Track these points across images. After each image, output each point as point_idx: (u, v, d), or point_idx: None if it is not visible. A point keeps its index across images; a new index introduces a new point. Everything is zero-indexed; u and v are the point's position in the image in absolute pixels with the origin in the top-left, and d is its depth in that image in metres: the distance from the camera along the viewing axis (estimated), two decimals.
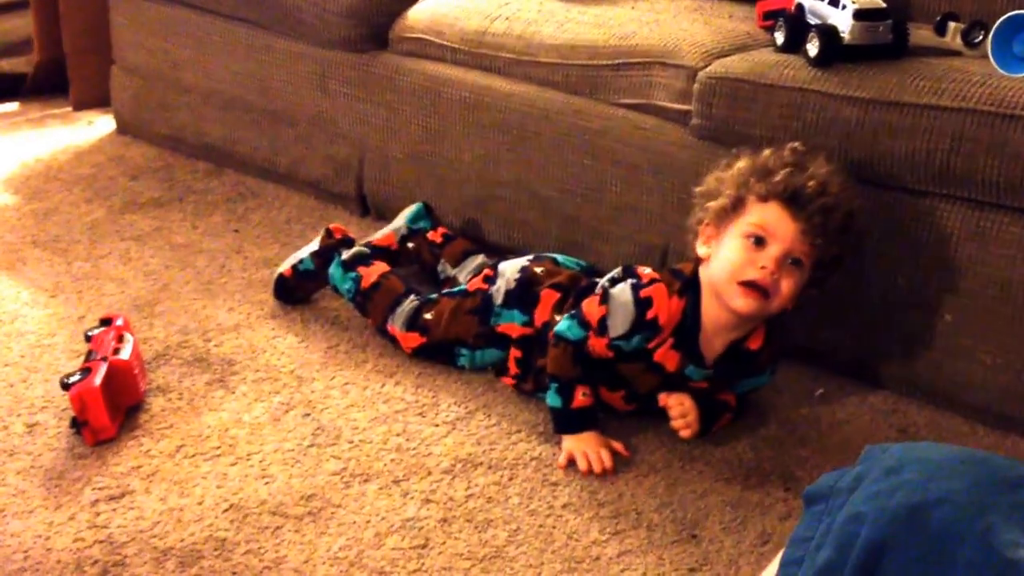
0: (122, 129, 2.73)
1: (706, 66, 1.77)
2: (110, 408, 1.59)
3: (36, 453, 1.57)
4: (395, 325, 1.80)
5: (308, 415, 1.66)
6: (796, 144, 1.57)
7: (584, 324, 1.58)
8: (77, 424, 1.59)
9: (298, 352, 1.83)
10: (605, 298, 1.58)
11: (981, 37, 1.70)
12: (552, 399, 1.60)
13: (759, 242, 1.50)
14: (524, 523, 1.45)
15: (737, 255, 1.51)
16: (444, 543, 1.41)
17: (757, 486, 1.54)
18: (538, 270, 1.74)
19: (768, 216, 1.50)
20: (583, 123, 1.93)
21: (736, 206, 1.53)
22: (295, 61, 2.33)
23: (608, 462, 1.55)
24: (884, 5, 1.68)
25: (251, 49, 2.40)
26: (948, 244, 1.62)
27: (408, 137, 2.20)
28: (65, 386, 1.59)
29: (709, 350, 1.59)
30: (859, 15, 1.65)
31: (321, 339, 1.86)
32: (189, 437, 1.61)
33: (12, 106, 2.90)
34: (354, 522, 1.44)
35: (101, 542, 1.40)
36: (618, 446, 1.59)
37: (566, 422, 1.59)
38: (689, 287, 1.57)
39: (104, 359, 1.63)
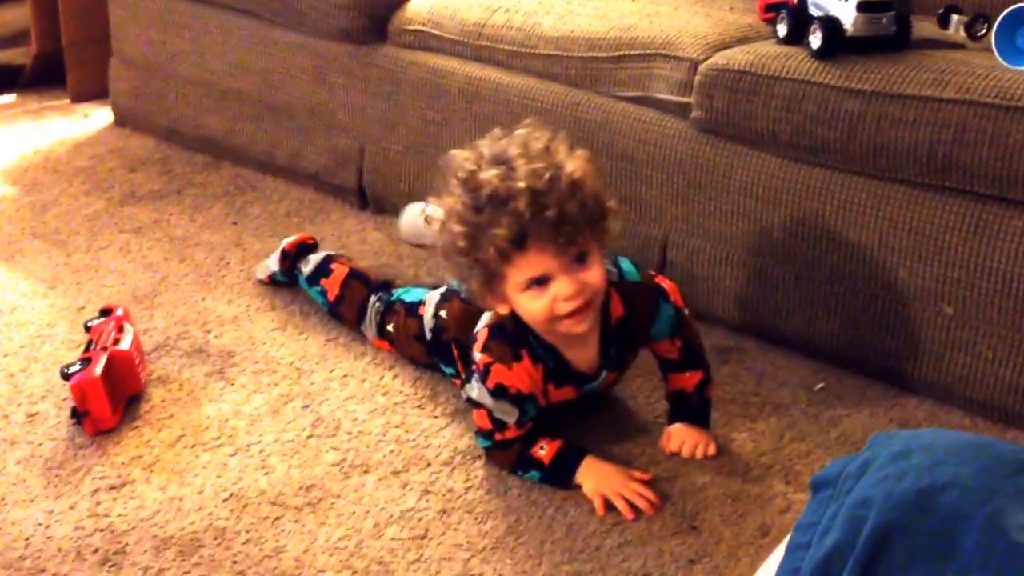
0: (120, 121, 2.73)
1: (707, 58, 1.77)
2: (110, 398, 1.58)
3: (37, 443, 1.57)
4: (368, 332, 1.79)
5: (307, 406, 1.66)
6: (494, 147, 1.41)
7: (488, 434, 1.51)
8: (77, 414, 1.58)
9: (297, 344, 1.82)
10: (478, 404, 1.50)
11: (984, 30, 1.70)
12: (528, 477, 1.51)
13: (541, 283, 1.38)
14: (524, 514, 1.45)
15: (533, 308, 1.40)
16: (443, 534, 1.41)
17: (757, 479, 1.54)
18: (443, 314, 1.65)
19: (529, 267, 1.37)
20: (583, 115, 1.93)
21: (489, 277, 1.40)
22: (294, 53, 2.33)
23: (650, 495, 1.47)
24: None
25: (250, 41, 2.40)
26: (950, 237, 1.61)
27: (407, 129, 2.20)
28: (65, 376, 1.59)
29: (587, 360, 1.52)
30: (862, 7, 1.64)
31: (320, 331, 1.86)
32: (189, 427, 1.61)
33: (10, 98, 2.90)
34: (353, 512, 1.44)
35: (101, 531, 1.40)
36: (639, 474, 1.51)
37: (559, 478, 1.50)
38: (521, 340, 1.48)
39: (104, 349, 1.63)
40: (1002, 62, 1.60)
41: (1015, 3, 1.62)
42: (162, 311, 1.92)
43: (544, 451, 1.50)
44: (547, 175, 1.34)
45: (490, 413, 1.49)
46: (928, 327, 1.67)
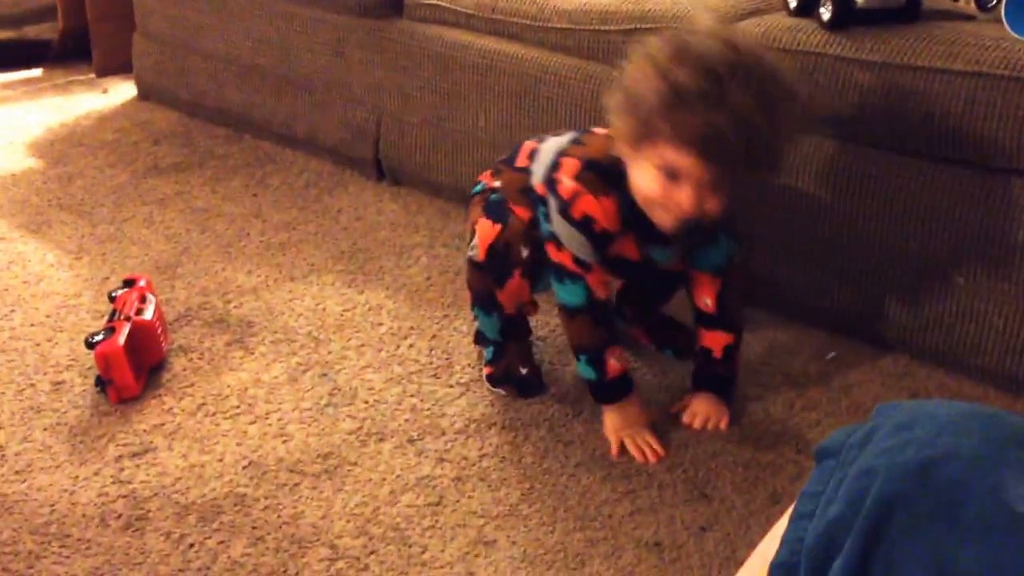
0: (144, 95, 2.76)
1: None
2: (133, 367, 1.62)
3: (62, 410, 1.61)
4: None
5: (324, 375, 1.69)
6: (716, 58, 1.33)
7: (573, 276, 1.50)
8: (101, 382, 1.62)
9: (315, 314, 1.86)
10: (559, 243, 1.49)
11: (995, 1, 1.69)
12: (585, 371, 1.55)
13: (673, 176, 1.38)
14: (537, 482, 1.48)
15: (651, 186, 1.40)
16: (458, 501, 1.44)
17: (768, 447, 1.56)
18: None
19: (679, 160, 1.36)
20: (596, 88, 1.94)
21: (645, 136, 1.39)
22: (313, 27, 2.35)
23: (657, 447, 1.53)
24: None
25: (270, 15, 2.42)
26: (960, 208, 1.62)
27: (423, 102, 2.22)
28: (90, 345, 1.63)
29: (662, 225, 1.48)
30: None
31: (337, 302, 1.89)
32: (210, 396, 1.64)
33: (37, 73, 2.93)
34: (370, 480, 1.48)
35: (124, 497, 1.44)
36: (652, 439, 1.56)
37: (605, 394, 1.56)
38: (616, 182, 1.46)
39: (128, 319, 1.67)
40: (1012, 33, 1.60)
41: None
42: (184, 281, 1.95)
43: (615, 364, 1.54)
44: (759, 115, 1.32)
45: (574, 252, 1.49)
46: (939, 297, 1.68)
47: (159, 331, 1.71)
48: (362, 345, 1.77)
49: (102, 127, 2.62)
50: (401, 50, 2.23)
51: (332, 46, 2.33)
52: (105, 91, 2.82)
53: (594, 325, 1.53)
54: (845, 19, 1.66)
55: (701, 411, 1.61)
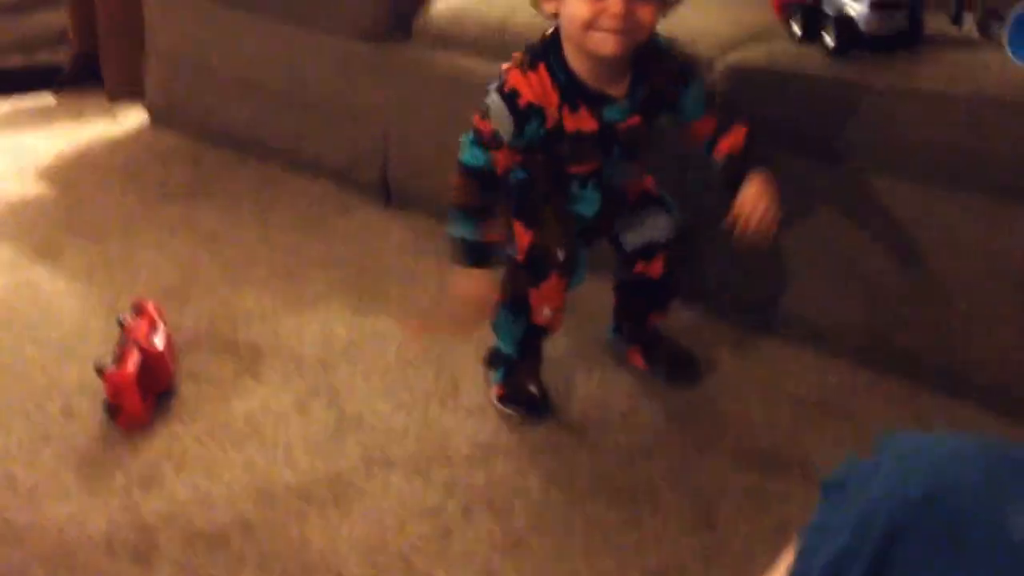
0: (154, 119, 2.78)
1: (723, 56, 1.78)
2: (142, 394, 1.63)
3: (71, 437, 1.62)
4: None
5: (332, 403, 1.70)
6: None
7: (481, 143, 1.53)
8: (110, 409, 1.63)
9: (322, 340, 1.86)
10: (486, 113, 1.52)
11: (997, 26, 1.70)
12: (458, 228, 1.54)
13: None
14: (545, 511, 1.48)
15: (580, 10, 1.43)
16: (465, 530, 1.44)
17: (774, 474, 1.55)
18: None
19: None
20: None
21: None
22: (321, 51, 2.36)
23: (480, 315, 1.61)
24: None
25: (279, 39, 2.44)
26: (963, 232, 1.62)
27: (431, 125, 2.23)
28: (99, 371, 1.64)
29: (611, 85, 1.52)
30: (875, 4, 1.65)
31: (344, 327, 1.90)
32: (218, 423, 1.65)
33: (49, 97, 2.95)
34: (377, 508, 1.48)
35: (133, 525, 1.45)
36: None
37: (470, 253, 1.55)
38: (542, 54, 1.51)
39: (137, 345, 1.68)
40: (1014, 59, 1.60)
41: None
42: (192, 306, 1.96)
43: (491, 232, 1.55)
44: None
45: (495, 126, 1.51)
46: (943, 320, 1.68)
47: (168, 358, 1.72)
48: (369, 371, 1.78)
49: (112, 152, 2.64)
50: (409, 74, 2.24)
51: (340, 69, 2.35)
52: (115, 117, 2.84)
53: (482, 190, 1.54)
54: (849, 45, 1.67)
55: (749, 201, 1.55)
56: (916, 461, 0.69)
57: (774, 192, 1.56)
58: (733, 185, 1.58)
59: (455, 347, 1.83)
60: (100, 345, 1.83)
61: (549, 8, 1.50)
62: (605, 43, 1.44)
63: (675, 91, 1.56)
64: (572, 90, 1.51)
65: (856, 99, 1.64)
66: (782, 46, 1.76)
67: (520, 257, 1.61)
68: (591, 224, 1.64)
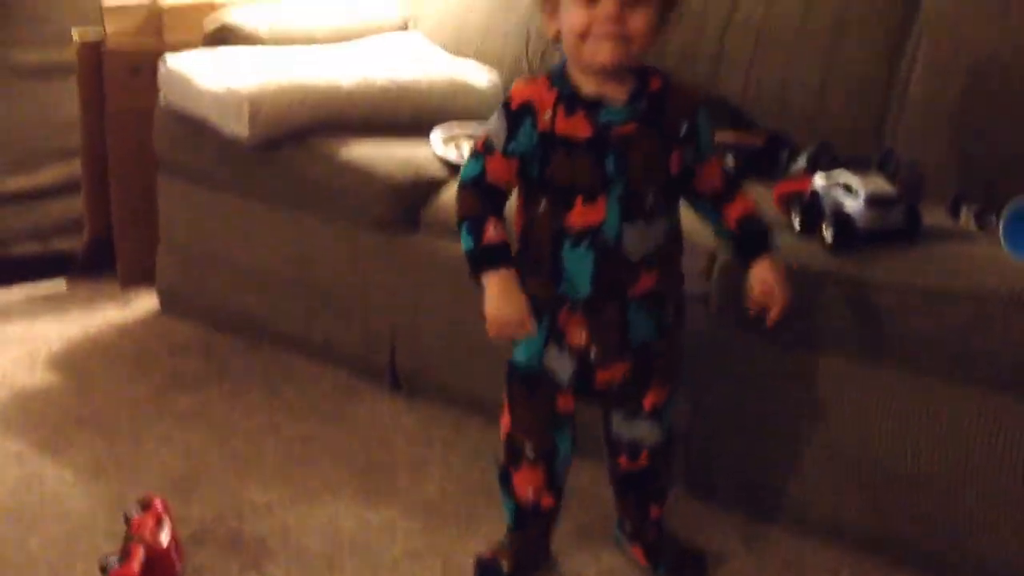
0: (166, 306, 2.82)
1: (721, 249, 1.80)
2: None
3: None
4: None
5: None
6: None
7: (476, 153, 1.55)
8: None
9: (329, 534, 1.85)
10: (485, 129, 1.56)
11: (994, 220, 1.74)
12: (464, 242, 1.54)
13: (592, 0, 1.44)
14: None
15: (575, 17, 1.45)
16: None
17: None
18: None
19: None
20: None
21: None
22: (332, 240, 2.42)
23: (530, 327, 1.53)
24: (894, 191, 1.73)
25: (291, 228, 2.50)
26: (964, 427, 1.63)
27: (439, 313, 2.26)
28: (103, 570, 1.62)
29: (611, 92, 1.51)
30: (871, 202, 1.70)
31: (351, 521, 1.88)
32: None
33: (61, 284, 3.00)
34: None
35: None
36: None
37: (480, 260, 1.52)
38: (552, 73, 1.54)
39: (143, 543, 1.67)
40: (1012, 255, 1.64)
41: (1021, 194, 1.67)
42: (199, 499, 1.95)
43: (492, 232, 1.51)
44: None
45: (489, 127, 1.53)
46: (951, 512, 1.67)
47: (173, 555, 1.71)
48: (376, 566, 1.76)
49: (123, 339, 2.67)
50: (418, 262, 2.29)
51: (350, 258, 2.40)
52: (127, 304, 2.88)
53: (477, 198, 1.53)
54: (847, 242, 1.71)
55: (768, 287, 1.57)
56: None
57: (788, 273, 1.59)
58: (747, 254, 1.60)
59: (463, 542, 1.81)
60: (105, 541, 1.82)
61: (552, 29, 1.52)
62: (600, 50, 1.45)
63: (688, 113, 1.54)
64: (570, 96, 1.51)
65: (856, 293, 1.67)
66: (782, 239, 1.79)
67: (501, 436, 1.66)
68: (583, 361, 1.58)
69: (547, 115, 1.50)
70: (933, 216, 1.82)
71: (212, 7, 2.91)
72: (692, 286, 1.84)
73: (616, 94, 1.51)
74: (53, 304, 2.88)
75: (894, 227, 1.72)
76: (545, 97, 1.51)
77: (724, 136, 2.14)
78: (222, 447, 2.14)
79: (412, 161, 2.33)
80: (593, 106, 1.50)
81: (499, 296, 1.52)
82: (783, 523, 1.85)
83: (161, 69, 2.63)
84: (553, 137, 1.50)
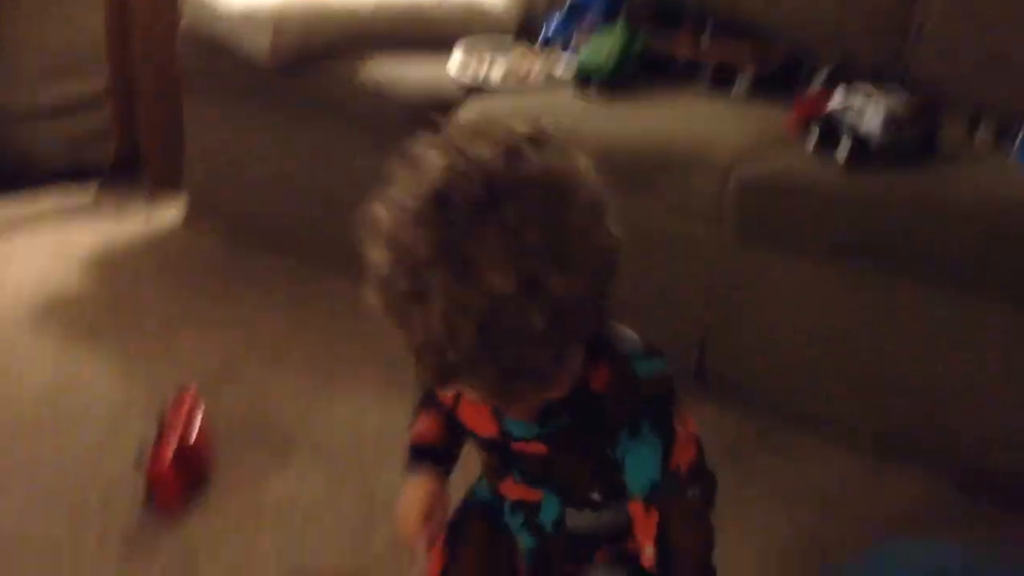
0: (193, 214, 2.87)
1: (739, 168, 1.84)
2: (180, 482, 1.69)
3: (110, 525, 1.67)
4: None
5: (363, 491, 1.75)
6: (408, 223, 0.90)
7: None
8: (149, 497, 1.69)
9: (354, 427, 1.92)
10: None
11: (1012, 139, 1.75)
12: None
13: None
14: None
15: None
16: None
17: (793, 564, 1.58)
18: None
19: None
20: (622, 222, 2.01)
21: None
22: (351, 156, 2.45)
23: (418, 548, 1.16)
24: (911, 110, 1.75)
25: (312, 144, 2.53)
26: (979, 340, 1.67)
27: None
28: (138, 462, 1.70)
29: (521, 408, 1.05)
30: (889, 120, 1.71)
31: (377, 417, 1.96)
32: (252, 509, 1.70)
33: (90, 194, 3.06)
34: None
35: None
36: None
37: (408, 465, 1.23)
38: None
39: (175, 435, 1.74)
40: None
41: None
42: (228, 397, 2.02)
43: (421, 427, 1.22)
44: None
45: None
46: (965, 423, 1.72)
47: (205, 447, 1.78)
48: (399, 461, 1.82)
49: (151, 246, 2.73)
50: None
51: (370, 174, 2.42)
52: (154, 214, 2.94)
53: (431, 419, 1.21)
54: (862, 159, 1.73)
55: None
56: (900, 564, 0.74)
57: None
58: None
59: None
60: (139, 434, 1.89)
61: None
62: (513, 414, 1.05)
63: (615, 435, 1.03)
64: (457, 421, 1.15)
65: (869, 212, 1.70)
66: (797, 158, 1.82)
67: None
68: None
69: (449, 397, 1.13)
70: (951, 135, 1.83)
71: None
72: (705, 206, 1.90)
73: (519, 414, 1.05)
74: (83, 214, 2.94)
75: (910, 146, 1.74)
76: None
77: (741, 47, 2.15)
78: (250, 347, 2.21)
79: (429, 81, 2.34)
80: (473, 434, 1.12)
81: (408, 500, 1.20)
82: (799, 424, 1.90)
83: None
84: (457, 421, 1.15)
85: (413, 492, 1.20)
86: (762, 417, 1.93)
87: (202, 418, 1.82)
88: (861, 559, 0.78)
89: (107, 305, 2.42)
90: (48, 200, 3.00)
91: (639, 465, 1.03)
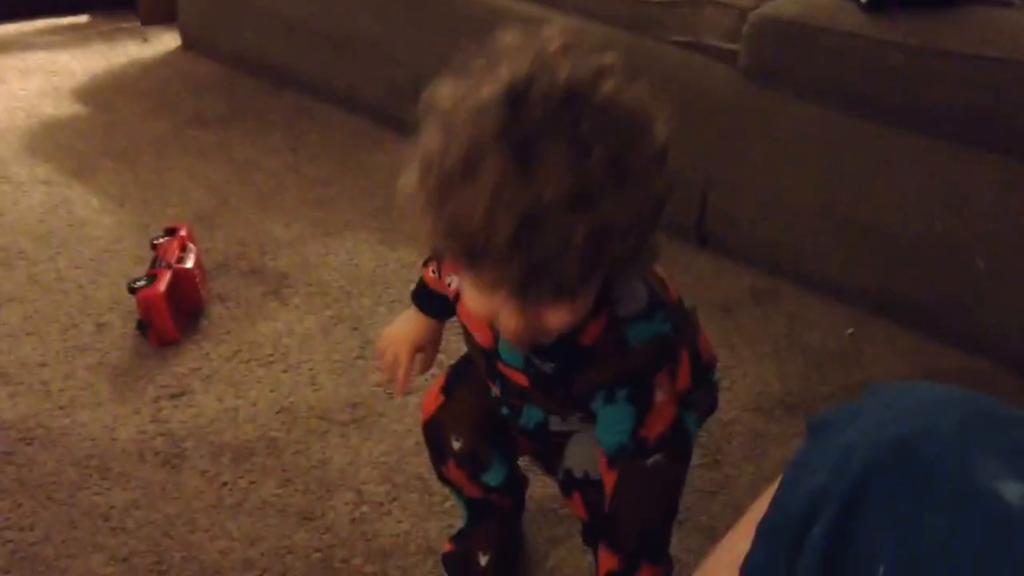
0: (187, 45, 2.81)
1: (757, 6, 1.80)
2: (173, 313, 1.69)
3: (104, 351, 1.68)
4: None
5: (356, 329, 1.75)
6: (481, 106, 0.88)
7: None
8: (142, 326, 1.69)
9: (348, 269, 1.91)
10: None
11: None
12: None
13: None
14: None
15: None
16: None
17: (781, 418, 1.60)
18: None
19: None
20: (633, 59, 1.95)
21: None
22: None
23: (400, 373, 1.25)
24: None
25: None
26: (985, 193, 1.64)
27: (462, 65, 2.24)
28: (132, 290, 1.69)
29: (487, 340, 1.12)
30: None
31: (370, 258, 1.94)
32: (245, 343, 1.70)
33: (83, 19, 2.98)
34: (395, 431, 1.53)
35: (162, 435, 1.51)
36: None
37: (414, 294, 1.27)
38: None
39: (169, 266, 1.73)
40: None
41: None
42: (222, 231, 2.01)
43: (432, 273, 1.22)
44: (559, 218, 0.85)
45: None
46: (960, 279, 1.71)
47: (198, 279, 1.77)
48: (393, 301, 1.82)
49: (145, 76, 2.67)
50: (443, 13, 2.25)
51: (374, 9, 2.36)
52: (145, 40, 2.86)
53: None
54: (883, 1, 1.68)
55: None
56: (896, 406, 0.72)
57: None
58: None
59: None
60: (132, 264, 1.88)
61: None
62: (508, 339, 1.02)
63: (591, 395, 1.08)
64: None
65: (885, 56, 1.65)
66: None
67: (422, 421, 1.29)
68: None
69: (453, 281, 1.14)
70: None
71: None
72: (720, 41, 1.85)
73: (511, 338, 1.01)
74: (75, 37, 2.87)
75: None
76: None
77: None
78: (244, 183, 2.18)
79: None
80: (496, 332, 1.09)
81: (391, 338, 1.27)
82: (792, 280, 1.90)
83: None
84: (457, 310, 1.16)
85: (406, 323, 1.27)
86: (757, 274, 1.92)
87: (196, 251, 1.81)
88: (850, 405, 0.76)
89: (100, 133, 2.38)
90: (39, 23, 2.92)
91: (609, 427, 1.08)
